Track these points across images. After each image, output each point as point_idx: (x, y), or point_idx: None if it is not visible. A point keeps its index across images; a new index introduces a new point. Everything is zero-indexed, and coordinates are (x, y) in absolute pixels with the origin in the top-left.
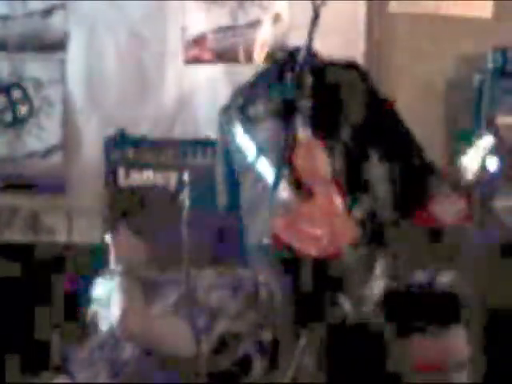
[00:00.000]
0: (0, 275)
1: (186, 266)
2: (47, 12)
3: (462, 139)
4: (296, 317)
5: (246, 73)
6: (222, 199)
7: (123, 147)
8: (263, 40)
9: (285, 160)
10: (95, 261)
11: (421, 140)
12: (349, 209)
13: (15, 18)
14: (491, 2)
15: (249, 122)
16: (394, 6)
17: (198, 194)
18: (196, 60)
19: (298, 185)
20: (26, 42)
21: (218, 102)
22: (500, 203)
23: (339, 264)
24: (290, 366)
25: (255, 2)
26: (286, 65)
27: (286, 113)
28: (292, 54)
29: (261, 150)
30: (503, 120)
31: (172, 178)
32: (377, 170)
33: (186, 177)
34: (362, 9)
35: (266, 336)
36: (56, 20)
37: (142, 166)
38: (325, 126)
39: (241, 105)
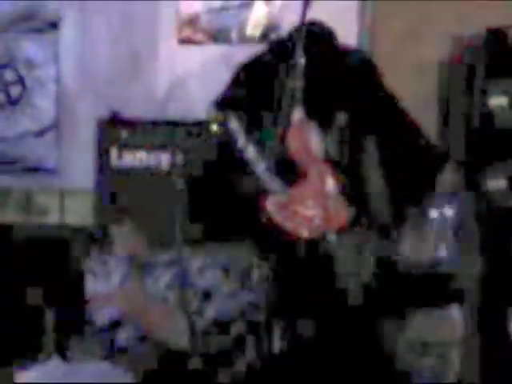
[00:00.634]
0: None
1: (179, 246)
2: None
3: None
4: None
5: (238, 53)
6: None
7: (116, 128)
8: (256, 20)
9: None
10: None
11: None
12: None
13: None
14: None
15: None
16: None
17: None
18: (189, 40)
19: (290, 165)
20: (17, 22)
21: (211, 83)
22: (491, 184)
23: (328, 247)
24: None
25: None
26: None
27: None
28: (290, 35)
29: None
30: (495, 101)
31: (164, 159)
32: (372, 161)
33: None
34: None
35: (259, 316)
36: (48, 0)
37: (135, 147)
38: (321, 109)
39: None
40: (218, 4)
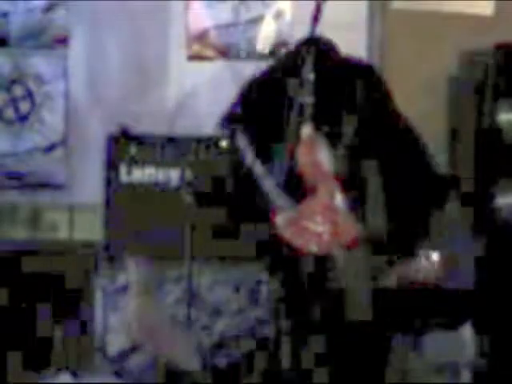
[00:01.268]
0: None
1: (188, 262)
2: (49, 8)
3: None
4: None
5: (247, 69)
6: None
7: (125, 143)
8: (265, 36)
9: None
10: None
11: (422, 137)
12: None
13: (17, 14)
14: (492, 1)
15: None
16: (396, 4)
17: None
18: (198, 56)
19: (299, 181)
20: (27, 38)
21: (220, 99)
22: (500, 200)
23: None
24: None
25: None
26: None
27: None
28: (298, 50)
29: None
30: (504, 117)
31: (174, 175)
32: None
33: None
34: (364, 6)
35: (268, 332)
36: (58, 16)
37: (144, 163)
38: (329, 124)
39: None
40: (226, 20)
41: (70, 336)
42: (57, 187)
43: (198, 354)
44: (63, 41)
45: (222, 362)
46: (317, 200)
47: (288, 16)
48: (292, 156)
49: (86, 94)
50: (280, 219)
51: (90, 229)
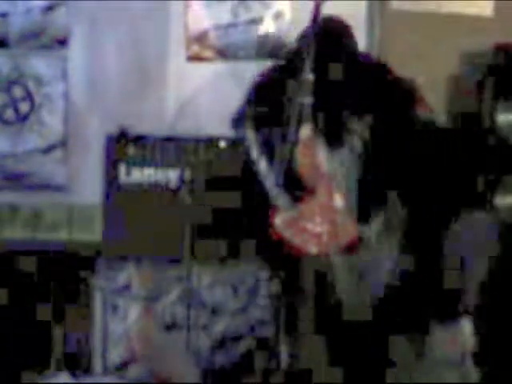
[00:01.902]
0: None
1: (187, 262)
2: (48, 8)
3: None
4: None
5: (247, 70)
6: None
7: (124, 144)
8: (264, 37)
9: (286, 158)
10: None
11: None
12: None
13: (16, 15)
14: (491, 1)
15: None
16: (395, 4)
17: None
18: (197, 57)
19: (298, 181)
20: (27, 38)
21: (220, 99)
22: (500, 201)
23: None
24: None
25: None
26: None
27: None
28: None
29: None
30: (504, 117)
31: (173, 176)
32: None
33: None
34: (363, 6)
35: (267, 332)
36: (57, 16)
37: (143, 164)
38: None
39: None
40: (226, 21)
41: (69, 336)
42: (56, 188)
43: (195, 370)
44: (63, 42)
45: (221, 362)
46: (316, 200)
47: (287, 17)
48: (291, 156)
49: (85, 94)
50: (279, 220)
51: (90, 229)
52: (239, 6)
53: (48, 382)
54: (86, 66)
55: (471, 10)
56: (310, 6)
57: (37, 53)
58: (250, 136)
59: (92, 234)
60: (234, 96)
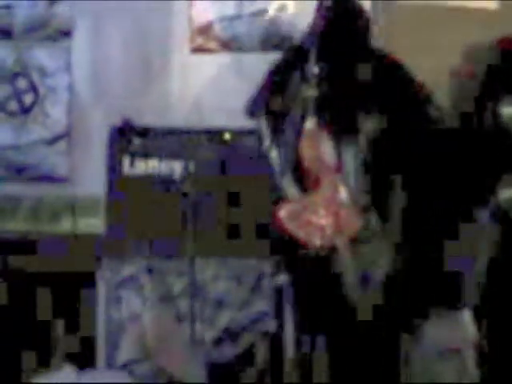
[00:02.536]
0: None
1: (191, 255)
2: (53, 1)
3: None
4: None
5: (251, 62)
6: None
7: (128, 136)
8: (269, 29)
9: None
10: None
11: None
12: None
13: (21, 7)
14: None
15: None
16: None
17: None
18: (201, 49)
19: (303, 174)
20: (31, 30)
21: (223, 91)
22: (503, 194)
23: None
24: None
25: None
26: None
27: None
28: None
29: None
30: (507, 112)
31: (177, 167)
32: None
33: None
34: (367, 0)
35: (270, 326)
36: (62, 9)
37: (147, 155)
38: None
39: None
40: (230, 13)
41: (71, 330)
42: (60, 179)
43: (204, 370)
44: (67, 34)
45: (224, 354)
46: (320, 193)
47: (291, 9)
48: (296, 149)
49: (89, 86)
50: (283, 212)
51: (93, 221)
52: None
53: (53, 376)
54: (90, 57)
55: (476, 3)
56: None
57: (41, 44)
58: (263, 124)
59: (95, 225)
60: (237, 88)
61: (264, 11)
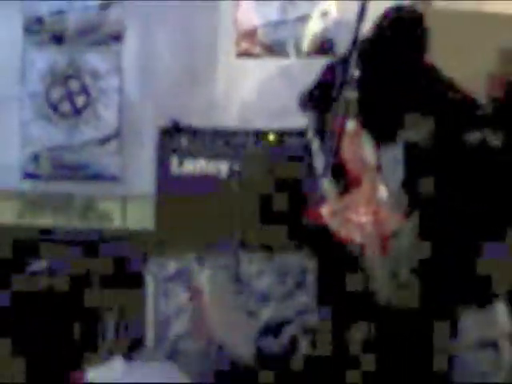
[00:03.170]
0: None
1: (236, 251)
2: (104, 6)
3: None
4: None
5: (295, 67)
6: None
7: (176, 136)
8: (312, 34)
9: (333, 149)
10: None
11: None
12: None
13: (73, 12)
14: None
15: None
16: (436, 3)
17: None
18: (246, 53)
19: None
20: (83, 35)
21: (267, 94)
22: None
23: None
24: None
25: None
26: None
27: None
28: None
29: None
30: None
31: (223, 167)
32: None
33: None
34: None
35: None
36: (113, 13)
37: (195, 155)
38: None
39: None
40: (275, 18)
41: (121, 323)
42: (110, 178)
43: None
44: (117, 38)
45: (268, 347)
46: (360, 192)
47: (333, 15)
48: (337, 148)
49: (138, 88)
50: (325, 210)
51: (142, 218)
52: (287, 4)
53: (103, 369)
54: (140, 61)
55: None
56: (356, 4)
57: (93, 48)
58: (310, 117)
59: (144, 223)
60: (281, 92)
61: (308, 16)
